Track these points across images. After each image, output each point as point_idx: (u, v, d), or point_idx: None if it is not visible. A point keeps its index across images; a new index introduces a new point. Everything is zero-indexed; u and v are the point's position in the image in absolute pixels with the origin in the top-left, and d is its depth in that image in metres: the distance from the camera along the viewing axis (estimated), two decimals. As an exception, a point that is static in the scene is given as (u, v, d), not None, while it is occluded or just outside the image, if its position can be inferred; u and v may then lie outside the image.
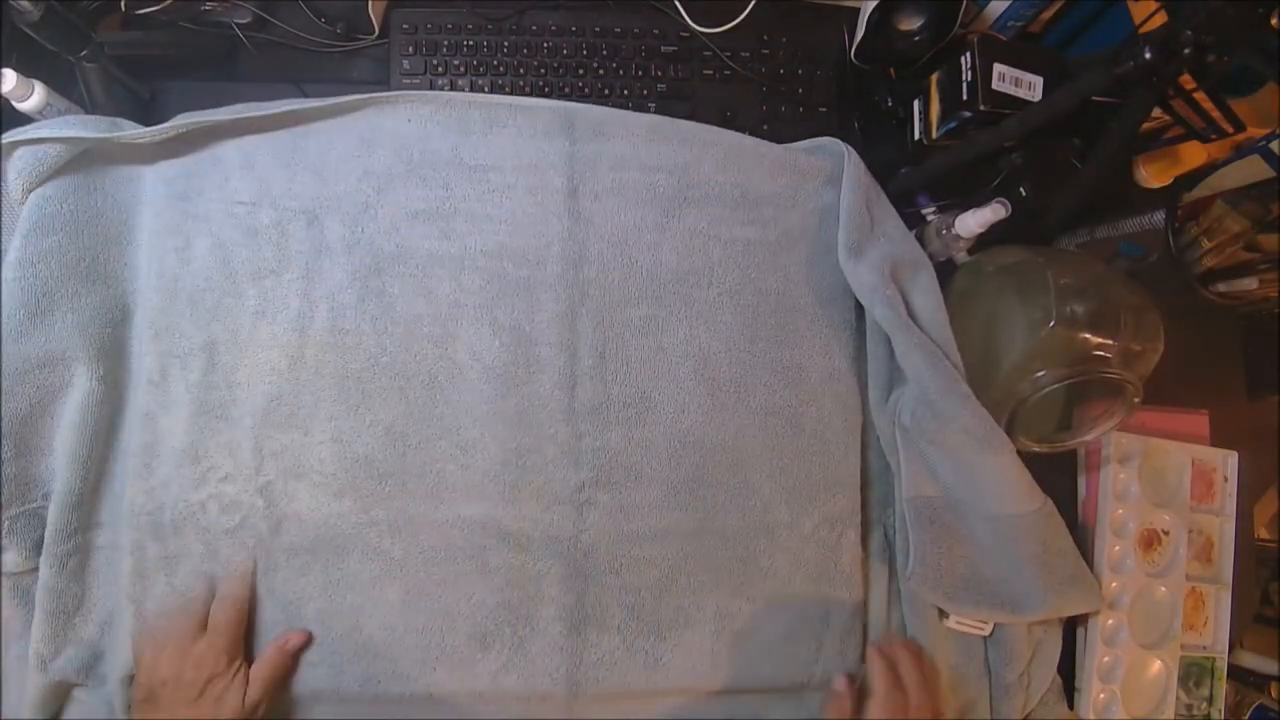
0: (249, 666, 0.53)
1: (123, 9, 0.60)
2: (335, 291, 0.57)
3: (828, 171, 0.63)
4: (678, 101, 0.66)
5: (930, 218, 0.64)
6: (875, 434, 0.63)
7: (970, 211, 0.58)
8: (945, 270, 0.63)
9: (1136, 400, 0.56)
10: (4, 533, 0.53)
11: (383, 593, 0.55)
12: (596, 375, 0.58)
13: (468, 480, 0.57)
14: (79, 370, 0.54)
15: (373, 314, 0.57)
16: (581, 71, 0.65)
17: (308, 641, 0.55)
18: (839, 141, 0.62)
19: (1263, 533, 0.79)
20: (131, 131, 0.55)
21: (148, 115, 0.58)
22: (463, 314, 0.58)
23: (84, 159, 0.55)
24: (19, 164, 0.53)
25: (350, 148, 0.58)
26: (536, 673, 0.56)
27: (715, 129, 0.62)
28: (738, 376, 0.60)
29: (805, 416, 0.61)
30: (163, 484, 0.54)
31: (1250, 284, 0.65)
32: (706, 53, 0.66)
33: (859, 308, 0.62)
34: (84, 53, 0.55)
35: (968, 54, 0.59)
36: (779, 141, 0.64)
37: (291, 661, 0.54)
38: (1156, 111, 0.53)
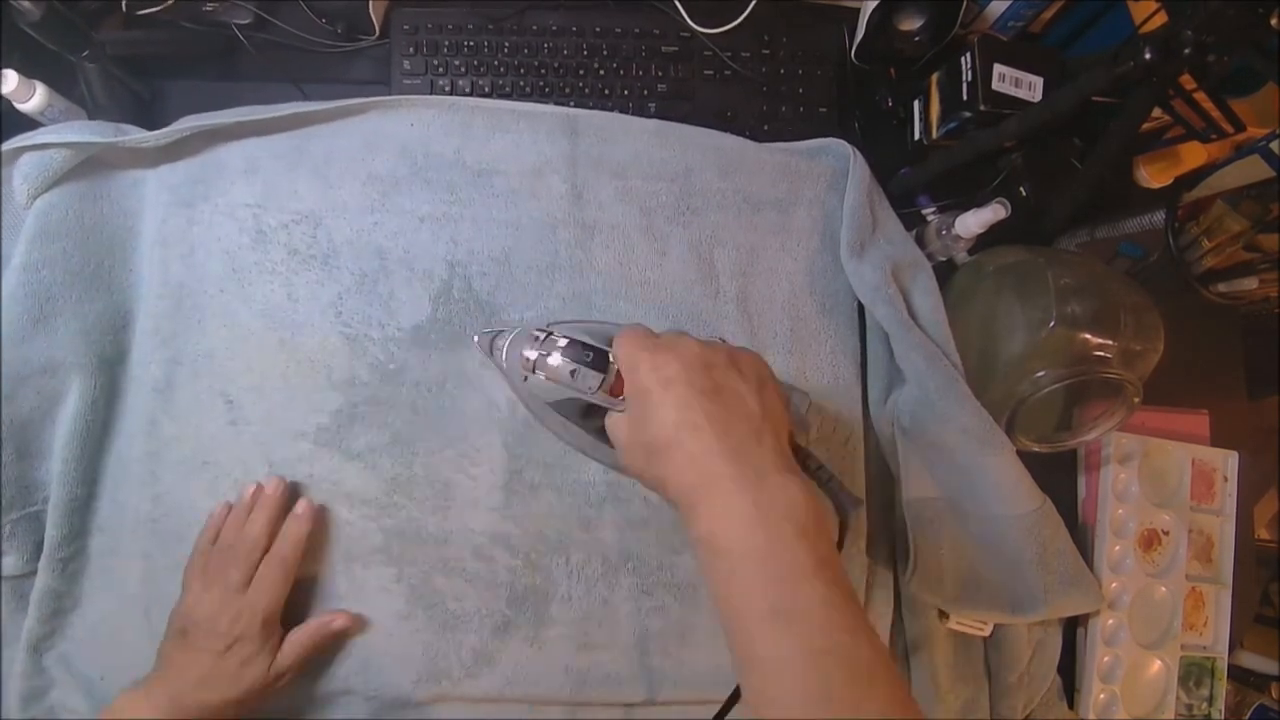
0: (283, 634, 0.51)
1: (123, 9, 0.59)
2: (342, 296, 0.57)
3: (829, 176, 0.63)
4: (678, 101, 0.66)
5: (930, 218, 0.64)
6: (876, 438, 0.63)
7: (970, 211, 0.58)
8: (945, 270, 0.63)
9: (1136, 400, 0.56)
10: (5, 536, 0.53)
11: (390, 601, 0.55)
12: (601, 382, 0.58)
13: (474, 490, 0.56)
14: (81, 376, 0.54)
15: (380, 319, 0.57)
16: (582, 72, 0.65)
17: (352, 625, 0.54)
18: (844, 142, 0.62)
19: (1263, 533, 0.79)
20: (136, 136, 0.54)
21: (149, 115, 0.58)
22: (469, 319, 0.58)
23: (88, 164, 0.55)
24: (24, 169, 0.53)
25: (354, 151, 0.58)
26: (541, 684, 0.56)
27: (717, 133, 0.62)
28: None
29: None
30: (168, 490, 0.54)
31: (1250, 284, 0.65)
32: (707, 53, 0.66)
33: (859, 314, 0.62)
34: (85, 53, 0.55)
35: (968, 54, 0.59)
36: (779, 141, 0.63)
37: (331, 640, 0.53)
38: (1156, 111, 0.53)
